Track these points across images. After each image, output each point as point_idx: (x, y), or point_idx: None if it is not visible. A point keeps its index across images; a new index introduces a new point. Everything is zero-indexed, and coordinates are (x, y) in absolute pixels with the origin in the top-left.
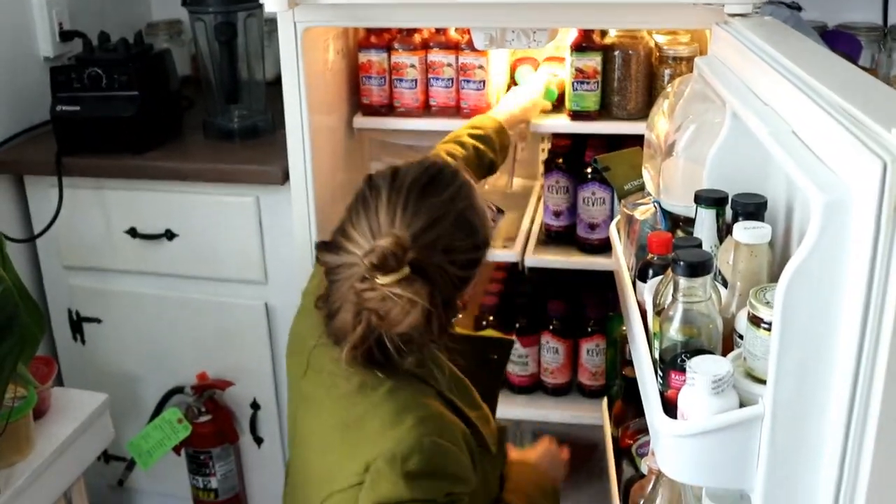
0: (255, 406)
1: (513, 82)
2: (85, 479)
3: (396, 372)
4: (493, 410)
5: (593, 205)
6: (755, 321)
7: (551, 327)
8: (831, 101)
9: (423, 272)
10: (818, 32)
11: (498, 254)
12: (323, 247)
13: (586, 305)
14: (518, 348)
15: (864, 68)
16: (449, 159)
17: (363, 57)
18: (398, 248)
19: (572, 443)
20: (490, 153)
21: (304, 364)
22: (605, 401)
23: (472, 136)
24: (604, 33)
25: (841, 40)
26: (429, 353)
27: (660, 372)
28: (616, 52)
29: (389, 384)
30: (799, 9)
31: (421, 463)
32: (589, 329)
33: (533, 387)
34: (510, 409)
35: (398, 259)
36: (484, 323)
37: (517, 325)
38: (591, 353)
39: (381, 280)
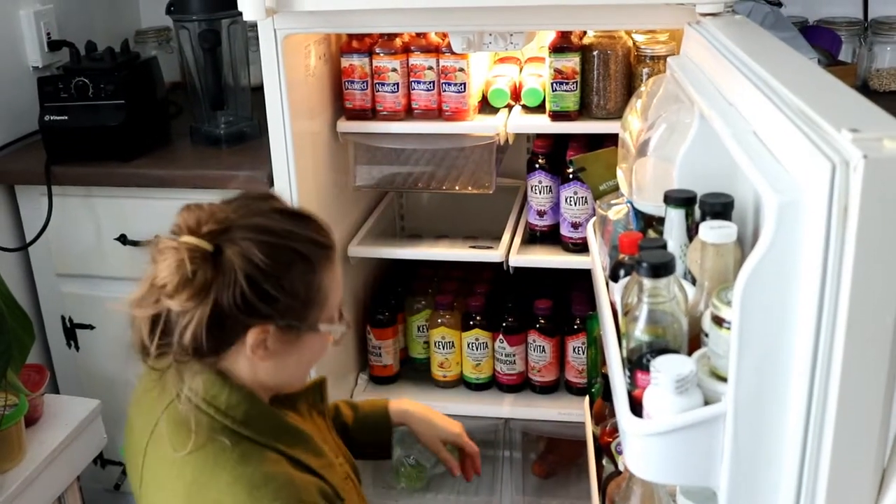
0: None
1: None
2: (81, 484)
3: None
4: (339, 449)
5: (575, 204)
6: (717, 321)
7: (538, 326)
8: (789, 102)
9: None
10: (798, 28)
11: (483, 254)
12: None
13: (572, 303)
14: (506, 347)
15: (843, 63)
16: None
17: (345, 62)
18: None
19: (561, 440)
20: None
21: (139, 475)
22: (586, 399)
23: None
24: (582, 34)
25: (821, 36)
26: (258, 412)
27: (627, 372)
28: (594, 53)
29: (232, 460)
30: (779, 4)
31: None
32: (575, 327)
33: (521, 385)
34: (499, 407)
35: None
36: (471, 323)
37: (504, 325)
38: (578, 351)
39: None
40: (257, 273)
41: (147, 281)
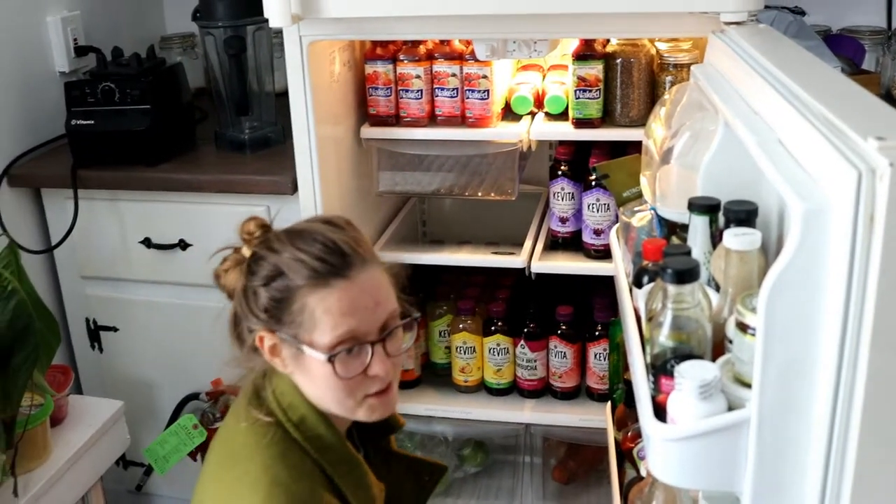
0: None
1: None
2: (103, 485)
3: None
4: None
5: (598, 211)
6: (742, 327)
7: (559, 332)
8: (814, 110)
9: None
10: (822, 37)
11: (505, 261)
12: None
13: (594, 309)
14: (527, 353)
15: (867, 72)
16: None
17: (369, 68)
18: None
19: (582, 446)
20: None
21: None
22: (608, 405)
23: None
24: (605, 41)
25: (844, 44)
26: (312, 421)
27: (651, 377)
28: (617, 60)
29: (271, 451)
30: (802, 13)
31: None
32: (596, 333)
33: (542, 391)
34: (520, 413)
35: None
36: (493, 328)
37: (525, 331)
38: (599, 357)
39: None
40: (247, 277)
41: None
